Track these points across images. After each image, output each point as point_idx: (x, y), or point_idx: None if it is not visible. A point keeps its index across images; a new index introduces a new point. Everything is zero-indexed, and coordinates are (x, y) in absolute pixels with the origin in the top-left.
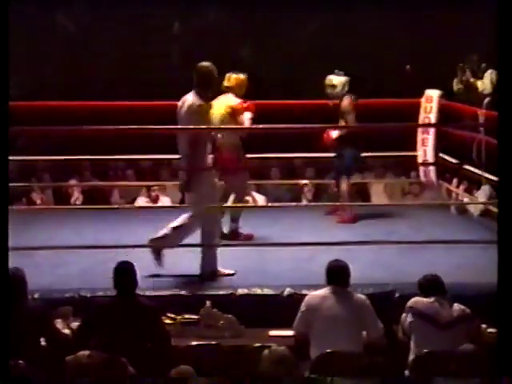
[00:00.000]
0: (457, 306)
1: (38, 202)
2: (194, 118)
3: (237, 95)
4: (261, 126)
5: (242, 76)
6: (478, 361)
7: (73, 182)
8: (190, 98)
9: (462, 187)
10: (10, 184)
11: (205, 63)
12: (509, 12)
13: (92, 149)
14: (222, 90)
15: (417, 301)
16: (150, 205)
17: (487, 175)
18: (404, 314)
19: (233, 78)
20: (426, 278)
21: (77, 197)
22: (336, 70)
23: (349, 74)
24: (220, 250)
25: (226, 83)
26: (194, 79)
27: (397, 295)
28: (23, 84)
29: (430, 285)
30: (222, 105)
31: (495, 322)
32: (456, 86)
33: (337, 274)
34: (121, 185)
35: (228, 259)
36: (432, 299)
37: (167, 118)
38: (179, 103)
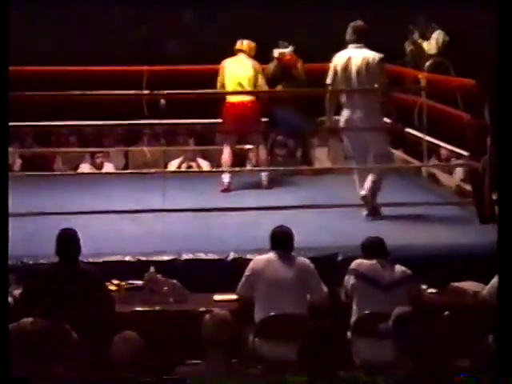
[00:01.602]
0: (398, 268)
1: None
2: (383, 69)
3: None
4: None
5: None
6: (413, 322)
7: (13, 148)
8: (368, 53)
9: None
10: None
11: (359, 21)
12: (509, 12)
13: (34, 114)
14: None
15: (359, 263)
16: (94, 171)
17: (428, 138)
18: (347, 276)
19: (245, 43)
20: (368, 240)
21: (17, 163)
22: (280, 42)
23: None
24: (165, 215)
25: (239, 46)
26: (354, 36)
27: (340, 258)
28: None
29: (373, 247)
30: (247, 65)
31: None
32: (407, 47)
33: (281, 240)
34: (64, 151)
35: (173, 224)
36: (374, 261)
37: (112, 82)
38: (346, 59)
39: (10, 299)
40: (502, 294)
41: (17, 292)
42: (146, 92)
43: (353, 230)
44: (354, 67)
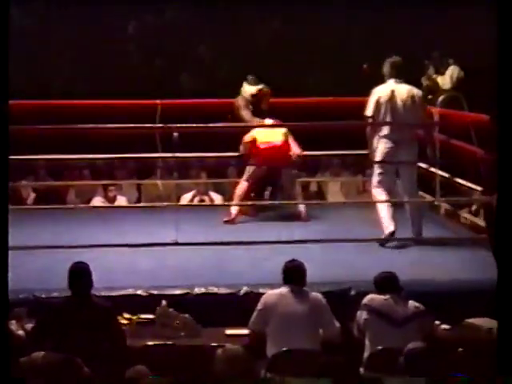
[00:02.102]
0: (411, 303)
1: None
2: (425, 105)
3: None
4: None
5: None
6: (426, 358)
7: (26, 181)
8: (412, 88)
9: None
10: None
11: (397, 57)
12: (509, 12)
13: (48, 148)
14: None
15: (372, 298)
16: (107, 204)
17: (441, 173)
18: (359, 312)
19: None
20: (381, 276)
21: (31, 197)
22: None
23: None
24: (177, 249)
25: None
26: (393, 71)
27: (353, 293)
28: None
29: (385, 282)
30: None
31: (497, 322)
32: (424, 82)
33: (293, 274)
34: (77, 184)
35: (185, 257)
36: (387, 296)
37: (125, 116)
38: (388, 93)
39: (21, 332)
40: (501, 295)
41: (29, 325)
42: (159, 125)
43: (365, 264)
44: (399, 101)
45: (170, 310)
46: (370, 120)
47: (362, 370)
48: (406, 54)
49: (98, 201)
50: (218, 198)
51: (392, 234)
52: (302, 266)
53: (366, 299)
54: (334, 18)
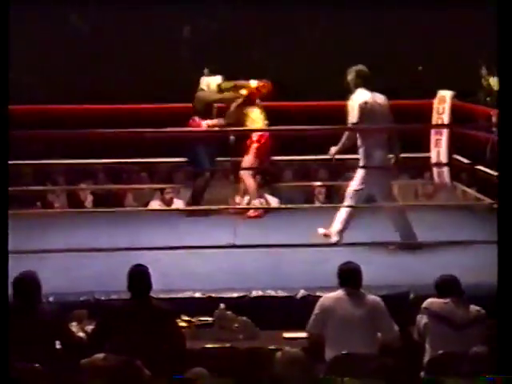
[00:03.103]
0: (473, 307)
1: (57, 204)
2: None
3: None
4: (274, 127)
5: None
6: (489, 362)
7: (85, 185)
8: (381, 96)
9: None
10: (25, 188)
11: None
12: (509, 12)
13: (106, 152)
14: None
15: (432, 302)
16: (164, 207)
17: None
18: (419, 316)
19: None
20: (442, 279)
21: (89, 200)
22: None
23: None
24: (234, 252)
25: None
26: (362, 80)
27: (411, 296)
28: (35, 87)
29: (447, 285)
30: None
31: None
32: (483, 82)
33: (348, 276)
34: (134, 188)
35: (242, 260)
36: (447, 300)
37: (180, 120)
38: (371, 100)
39: (82, 334)
40: (502, 294)
41: (89, 327)
42: (217, 129)
43: (424, 267)
44: (378, 109)
45: (228, 312)
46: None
47: (422, 374)
48: (454, 54)
49: (155, 204)
50: (273, 201)
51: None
52: (358, 269)
53: (426, 303)
54: (386, 18)
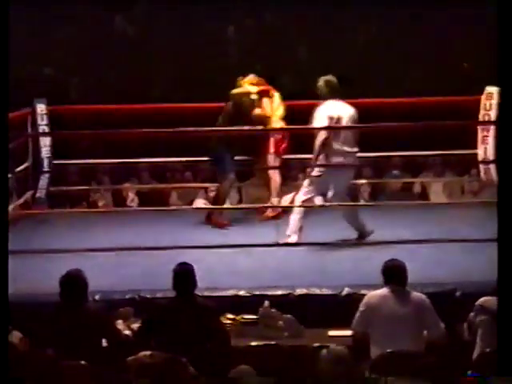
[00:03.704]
0: None
1: (101, 203)
2: None
3: None
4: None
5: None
6: None
7: (130, 184)
8: (350, 107)
9: None
10: (71, 187)
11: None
12: (509, 11)
13: (150, 151)
14: None
15: (487, 299)
16: (208, 206)
17: None
18: (473, 313)
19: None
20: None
21: (132, 198)
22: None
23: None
24: (278, 250)
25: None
26: (331, 90)
27: (458, 294)
28: (82, 88)
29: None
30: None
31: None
32: None
33: (393, 273)
34: (178, 186)
35: (285, 258)
36: None
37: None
38: (336, 112)
39: (128, 332)
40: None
41: (135, 325)
42: (260, 128)
43: (470, 264)
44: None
45: (273, 310)
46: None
47: (469, 372)
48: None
49: (199, 202)
50: (318, 199)
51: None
52: (403, 266)
53: (481, 300)
54: (433, 17)
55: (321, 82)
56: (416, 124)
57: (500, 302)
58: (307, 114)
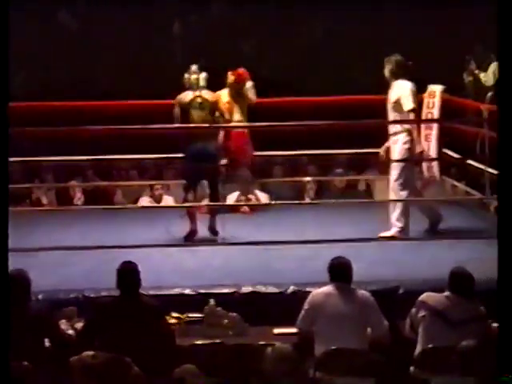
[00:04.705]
0: (472, 305)
1: (45, 202)
2: None
3: None
4: (264, 123)
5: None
6: (479, 356)
7: (75, 182)
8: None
9: None
10: (14, 185)
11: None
12: (509, 11)
13: (95, 149)
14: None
15: (429, 295)
16: (154, 204)
17: (490, 170)
18: (414, 309)
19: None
20: (456, 273)
21: (78, 197)
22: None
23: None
24: (224, 248)
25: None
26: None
27: (401, 291)
28: (26, 84)
29: (459, 280)
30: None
31: (497, 320)
32: (466, 78)
33: (339, 271)
34: (124, 184)
35: (231, 257)
36: (446, 294)
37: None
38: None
39: (71, 332)
40: (502, 293)
41: (78, 325)
42: (206, 125)
43: (414, 262)
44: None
45: (218, 309)
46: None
47: (412, 368)
48: (445, 50)
49: (144, 201)
50: (263, 197)
51: None
52: (349, 264)
53: (423, 296)
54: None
55: (391, 63)
56: (362, 122)
57: (500, 302)
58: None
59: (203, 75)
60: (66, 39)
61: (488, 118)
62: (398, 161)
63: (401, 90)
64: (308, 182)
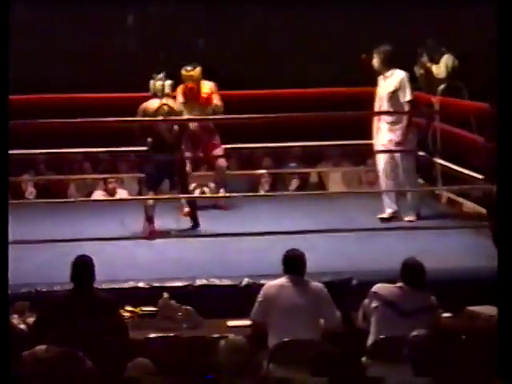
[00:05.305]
0: (422, 295)
1: None
2: None
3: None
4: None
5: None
6: (429, 346)
7: (27, 176)
8: None
9: None
10: None
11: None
12: (509, 11)
13: (48, 142)
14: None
15: (381, 286)
16: (107, 198)
17: (442, 162)
18: (367, 299)
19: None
20: (408, 264)
21: (30, 191)
22: (154, 75)
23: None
24: (178, 241)
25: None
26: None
27: (354, 283)
28: None
29: (410, 271)
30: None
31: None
32: (417, 71)
33: (293, 263)
34: (77, 178)
35: (187, 250)
36: (399, 285)
37: (125, 109)
38: None
39: (23, 326)
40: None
41: (31, 319)
42: (160, 118)
43: (366, 253)
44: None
45: (172, 301)
46: None
47: (364, 358)
48: (396, 42)
49: (98, 194)
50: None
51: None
52: (302, 256)
53: (376, 287)
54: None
55: (380, 54)
56: (316, 114)
57: (500, 301)
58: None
59: (168, 82)
60: (21, 34)
61: (439, 111)
62: (384, 151)
63: (399, 81)
64: (262, 175)
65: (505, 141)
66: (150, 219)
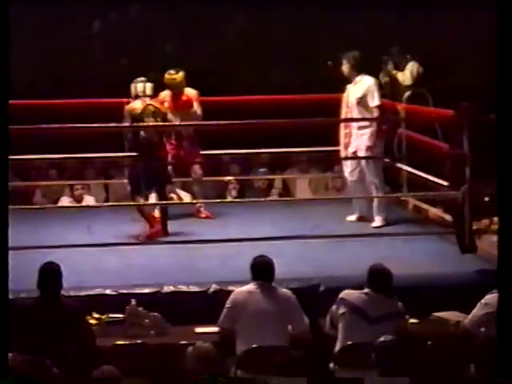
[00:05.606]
0: (389, 301)
1: None
2: None
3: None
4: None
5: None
6: (396, 352)
7: None
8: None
9: None
10: None
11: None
12: (509, 11)
13: (14, 148)
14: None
15: (348, 293)
16: (74, 204)
17: (408, 169)
18: (334, 306)
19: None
20: (375, 270)
21: None
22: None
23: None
24: (146, 248)
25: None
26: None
27: (322, 289)
28: None
29: (377, 278)
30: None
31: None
32: (382, 78)
33: (261, 270)
34: (43, 184)
35: (155, 257)
36: (365, 291)
37: (90, 115)
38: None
39: None
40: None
41: None
42: (127, 124)
43: (334, 260)
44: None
45: (140, 308)
46: None
47: (331, 365)
48: (364, 49)
49: (65, 201)
50: (186, 196)
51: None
52: (271, 262)
53: (343, 293)
54: (297, 15)
55: (349, 60)
56: (284, 121)
57: (501, 303)
58: None
59: (149, 84)
60: None
61: (405, 118)
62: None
63: (367, 86)
64: (230, 181)
65: (504, 143)
66: (149, 219)
